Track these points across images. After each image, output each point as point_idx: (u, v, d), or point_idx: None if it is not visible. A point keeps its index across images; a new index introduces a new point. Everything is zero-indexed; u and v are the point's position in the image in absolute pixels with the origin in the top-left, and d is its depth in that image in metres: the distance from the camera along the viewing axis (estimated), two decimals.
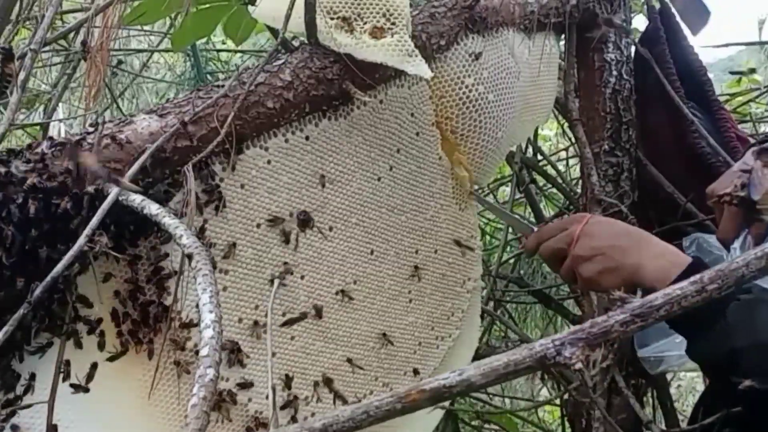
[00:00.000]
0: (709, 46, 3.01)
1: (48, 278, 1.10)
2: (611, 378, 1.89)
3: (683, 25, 2.22)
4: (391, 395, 0.79)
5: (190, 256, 1.06)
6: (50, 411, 1.23)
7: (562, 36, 2.16)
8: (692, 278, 0.86)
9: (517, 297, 3.48)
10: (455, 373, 0.80)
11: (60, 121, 3.53)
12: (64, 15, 3.09)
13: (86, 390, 1.30)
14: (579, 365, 0.80)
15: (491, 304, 2.94)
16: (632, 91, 2.15)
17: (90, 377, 1.32)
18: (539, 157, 3.26)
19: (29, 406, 1.25)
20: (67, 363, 1.29)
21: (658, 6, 2.25)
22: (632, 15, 2.35)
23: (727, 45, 3.11)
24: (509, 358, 0.81)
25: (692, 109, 2.10)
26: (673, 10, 2.21)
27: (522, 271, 3.45)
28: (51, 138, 1.28)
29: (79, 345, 1.31)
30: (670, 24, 2.21)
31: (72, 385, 1.30)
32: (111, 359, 1.34)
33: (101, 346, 1.34)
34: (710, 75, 2.24)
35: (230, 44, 3.54)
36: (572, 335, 0.82)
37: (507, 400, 3.99)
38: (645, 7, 2.34)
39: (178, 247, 1.12)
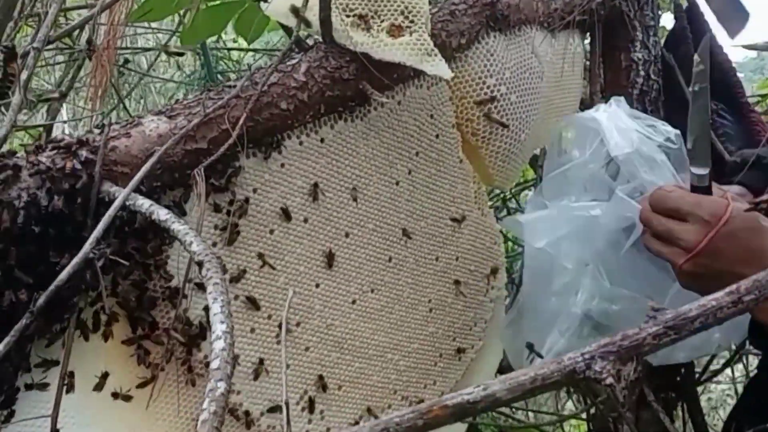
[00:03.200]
0: (739, 45, 2.98)
1: (52, 286, 1.10)
2: (640, 391, 1.87)
3: (713, 25, 2.21)
4: (412, 411, 0.78)
5: (200, 264, 1.05)
6: (53, 424, 1.23)
7: (587, 34, 2.15)
8: (728, 289, 0.85)
9: None
10: (479, 387, 0.79)
11: (64, 122, 3.54)
12: (68, 12, 3.09)
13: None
14: (610, 380, 0.79)
15: None
16: (660, 92, 2.13)
17: (100, 386, 1.32)
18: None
19: (30, 419, 1.24)
20: (71, 374, 1.28)
21: (685, 4, 2.24)
22: (660, 13, 2.33)
23: (755, 47, 3.08)
24: (536, 372, 0.80)
25: (721, 112, 2.08)
26: (709, 10, 2.19)
27: None
28: (55, 139, 1.28)
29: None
30: (698, 22, 2.19)
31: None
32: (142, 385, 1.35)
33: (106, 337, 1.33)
34: (740, 75, 2.22)
35: (242, 43, 3.54)
36: (602, 348, 0.81)
37: (531, 414, 3.97)
38: (672, 4, 2.33)
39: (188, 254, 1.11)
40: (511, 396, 0.80)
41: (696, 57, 1.58)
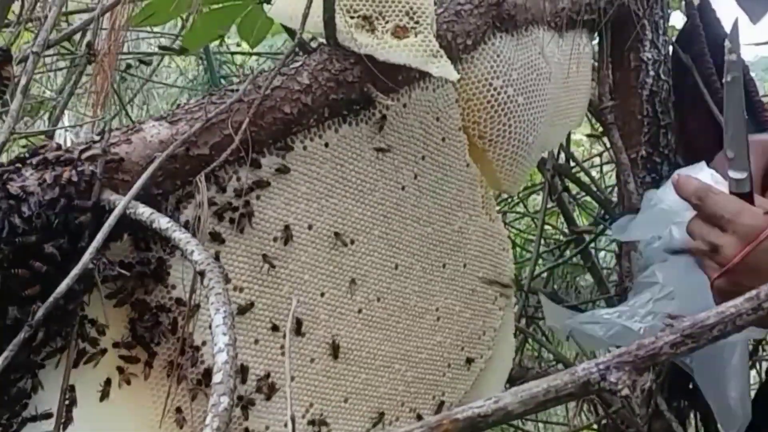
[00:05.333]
0: (752, 43, 2.97)
1: (50, 299, 1.09)
2: (654, 402, 1.86)
3: (731, 13, 2.19)
4: (421, 425, 0.77)
5: (202, 273, 1.04)
6: None
7: (596, 34, 2.14)
8: (747, 294, 0.84)
9: None
10: (491, 400, 0.78)
11: (66, 129, 3.53)
12: (69, 16, 3.08)
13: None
14: (626, 391, 0.78)
15: (523, 321, 2.91)
16: (670, 92, 2.12)
17: (105, 394, 1.30)
18: (572, 163, 3.23)
19: None
20: (72, 388, 1.26)
21: (696, 1, 2.22)
22: (669, 11, 2.32)
23: None
24: (549, 384, 0.79)
25: None
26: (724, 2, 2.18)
27: (556, 286, 3.42)
28: (52, 146, 1.27)
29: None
30: (710, 20, 2.18)
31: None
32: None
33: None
34: (752, 74, 2.21)
35: (245, 46, 3.54)
36: (618, 358, 0.79)
37: (540, 425, 3.95)
38: (682, 2, 2.31)
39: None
40: (523, 409, 0.79)
41: (726, 43, 1.46)
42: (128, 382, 1.31)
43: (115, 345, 1.31)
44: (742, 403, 1.64)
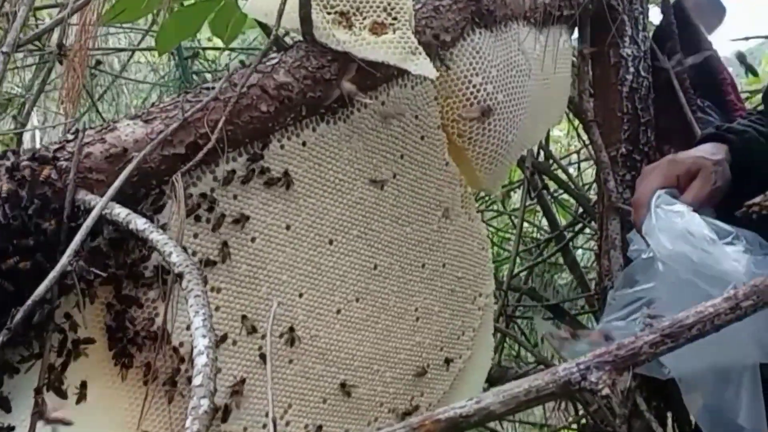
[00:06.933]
0: (728, 39, 3.00)
1: (29, 301, 1.09)
2: (633, 401, 1.87)
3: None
4: (403, 426, 0.78)
5: (180, 275, 1.05)
6: None
7: (575, 30, 2.15)
8: (725, 294, 0.85)
9: (529, 311, 3.46)
10: (472, 400, 0.79)
11: (35, 128, 3.52)
12: (38, 11, 3.07)
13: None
14: (606, 391, 0.80)
15: (502, 320, 2.92)
16: (650, 89, 2.13)
17: (82, 396, 1.30)
18: (551, 161, 3.24)
19: None
20: (49, 382, 1.27)
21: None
22: (648, 7, 2.33)
23: (746, 38, 3.09)
24: (530, 384, 0.80)
25: (708, 109, 2.09)
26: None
27: (534, 285, 3.43)
28: (32, 148, 1.27)
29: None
30: (686, 17, 2.20)
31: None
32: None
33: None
34: (730, 69, 2.23)
35: (217, 41, 3.53)
36: (598, 358, 0.81)
37: (518, 426, 3.96)
38: None
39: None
40: (505, 409, 0.80)
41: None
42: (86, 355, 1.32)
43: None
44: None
